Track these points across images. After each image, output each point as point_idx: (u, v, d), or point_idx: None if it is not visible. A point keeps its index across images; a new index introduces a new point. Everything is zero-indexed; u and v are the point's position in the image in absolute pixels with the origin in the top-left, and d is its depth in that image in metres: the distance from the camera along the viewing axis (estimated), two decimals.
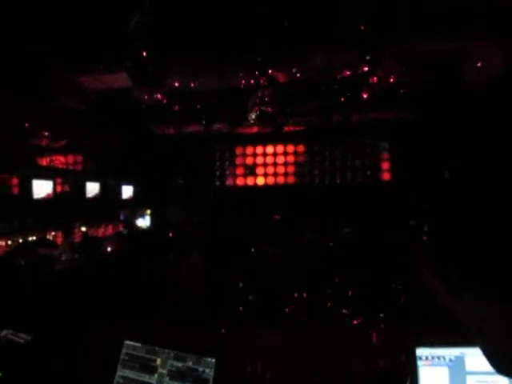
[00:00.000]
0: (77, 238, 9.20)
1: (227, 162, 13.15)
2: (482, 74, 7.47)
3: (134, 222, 12.28)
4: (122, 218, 12.24)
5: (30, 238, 8.51)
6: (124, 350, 1.99)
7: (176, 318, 2.86)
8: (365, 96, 7.95)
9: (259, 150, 12.97)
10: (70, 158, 12.07)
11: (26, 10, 5.75)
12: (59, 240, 9.11)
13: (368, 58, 6.74)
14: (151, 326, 2.24)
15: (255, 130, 11.52)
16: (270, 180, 12.95)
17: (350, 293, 4.04)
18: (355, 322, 2.95)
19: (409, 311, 2.98)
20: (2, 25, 5.92)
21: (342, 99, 8.39)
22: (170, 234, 8.32)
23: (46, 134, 9.36)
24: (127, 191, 12.33)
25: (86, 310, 2.58)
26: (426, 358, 1.81)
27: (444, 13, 6.08)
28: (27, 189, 8.89)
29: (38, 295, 3.24)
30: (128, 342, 1.99)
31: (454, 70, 7.48)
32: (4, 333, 2.05)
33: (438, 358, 1.81)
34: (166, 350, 1.92)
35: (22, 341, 2.01)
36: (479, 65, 6.96)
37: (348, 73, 7.47)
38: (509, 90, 7.38)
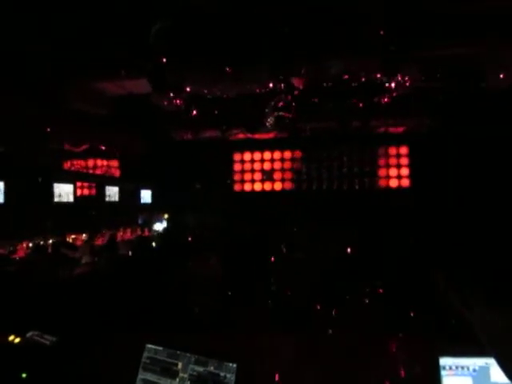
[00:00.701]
0: (98, 242, 9.33)
1: (244, 167, 13.20)
2: (504, 80, 7.37)
3: (152, 226, 12.40)
4: (140, 222, 12.39)
5: (51, 241, 8.65)
6: (145, 354, 2.01)
7: (196, 321, 2.88)
8: (384, 102, 7.91)
9: (277, 155, 12.99)
10: (91, 162, 12.26)
11: (51, 17, 5.88)
12: (79, 243, 9.25)
13: (388, 63, 6.72)
14: (173, 329, 2.26)
15: (273, 135, 11.53)
16: (288, 185, 12.94)
17: (370, 301, 4.00)
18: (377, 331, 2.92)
19: (432, 320, 2.94)
20: (28, 32, 6.06)
21: (361, 105, 8.35)
22: (189, 238, 8.37)
23: (68, 138, 9.56)
24: (146, 195, 12.48)
25: (109, 314, 2.62)
26: (450, 368, 1.79)
27: (466, 17, 6.02)
28: (48, 192, 9.09)
29: (62, 297, 3.29)
30: (150, 346, 2.01)
31: (476, 76, 7.38)
32: (30, 334, 2.10)
33: (462, 367, 1.79)
34: (188, 354, 1.93)
35: (47, 342, 2.05)
36: (502, 71, 6.85)
37: (367, 78, 7.44)
38: None
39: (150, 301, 3.43)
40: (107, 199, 11.04)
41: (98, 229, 9.84)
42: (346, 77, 7.36)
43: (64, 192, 9.60)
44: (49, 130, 8.61)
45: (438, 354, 1.78)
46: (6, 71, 6.58)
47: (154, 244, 7.69)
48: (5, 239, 7.84)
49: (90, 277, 4.87)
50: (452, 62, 7.30)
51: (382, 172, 12.41)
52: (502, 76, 7.04)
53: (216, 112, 9.32)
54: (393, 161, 12.36)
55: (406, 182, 12.25)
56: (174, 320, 2.88)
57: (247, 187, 13.18)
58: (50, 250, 6.77)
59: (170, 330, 2.27)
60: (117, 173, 12.18)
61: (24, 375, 1.86)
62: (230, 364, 1.84)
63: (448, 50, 6.83)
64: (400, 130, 11.45)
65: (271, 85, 7.58)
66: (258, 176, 13.13)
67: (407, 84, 7.32)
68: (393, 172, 12.33)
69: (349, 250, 6.82)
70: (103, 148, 10.75)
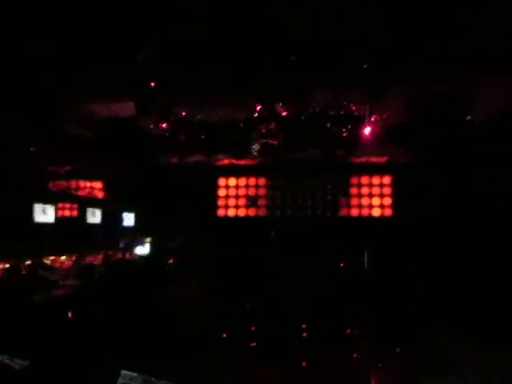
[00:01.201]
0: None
1: (230, 192, 13.21)
2: (484, 112, 7.61)
3: (134, 250, 12.22)
4: (121, 245, 12.20)
5: (27, 262, 8.44)
6: (120, 380, 1.96)
7: (174, 348, 2.82)
8: (368, 132, 8.07)
9: (262, 181, 13.05)
10: (73, 184, 12.12)
11: (37, 36, 5.91)
12: (58, 265, 9.05)
13: (371, 95, 6.89)
14: (148, 356, 2.21)
15: (257, 161, 11.63)
16: (271, 212, 12.95)
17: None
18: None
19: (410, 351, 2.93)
20: (14, 51, 6.08)
21: (345, 134, 8.50)
22: (171, 261, 8.28)
23: (51, 158, 9.49)
24: (129, 218, 12.34)
25: (84, 338, 2.55)
26: None
27: (447, 53, 6.23)
28: (28, 212, 8.92)
29: (35, 320, 3.20)
30: (124, 372, 1.97)
31: (456, 108, 7.61)
32: (0, 358, 2.03)
33: None
34: (163, 381, 1.89)
35: (17, 366, 1.98)
36: (485, 106, 7.09)
37: (352, 109, 7.60)
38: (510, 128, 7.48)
39: (127, 325, 3.36)
40: (89, 221, 10.87)
41: (80, 250, 9.66)
42: (331, 106, 7.52)
43: (45, 212, 9.43)
44: (33, 149, 8.54)
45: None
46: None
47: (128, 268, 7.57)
48: None
49: (66, 300, 4.75)
50: (437, 96, 7.52)
51: (364, 201, 12.54)
52: (485, 110, 7.28)
53: (202, 137, 9.38)
54: (375, 190, 12.52)
55: (388, 212, 12.37)
56: (152, 345, 2.82)
57: (231, 212, 13.16)
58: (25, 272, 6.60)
59: (146, 355, 2.22)
60: (100, 195, 12.06)
61: None
62: None
63: (433, 84, 7.05)
64: (383, 159, 11.67)
65: (257, 112, 7.68)
66: (241, 202, 13.13)
67: (390, 116, 7.50)
68: (375, 201, 12.46)
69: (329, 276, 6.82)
70: (87, 169, 10.68)
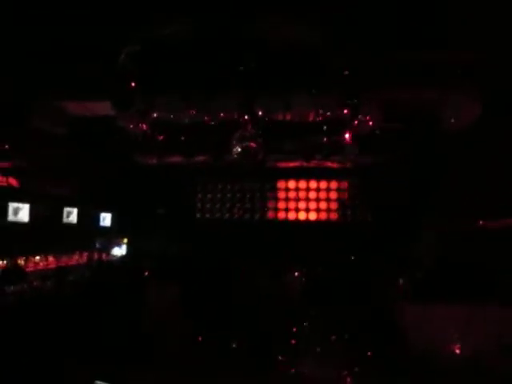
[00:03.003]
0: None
1: (209, 195, 13.19)
2: (457, 122, 7.81)
3: (110, 251, 12.08)
4: (97, 246, 12.03)
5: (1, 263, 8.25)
6: None
7: (148, 356, 2.80)
8: (347, 138, 8.18)
9: (240, 184, 13.07)
10: (50, 182, 11.88)
11: (12, 33, 5.80)
12: (31, 266, 8.88)
13: (349, 102, 7.00)
14: (122, 365, 2.20)
15: (238, 164, 11.62)
16: (250, 215, 13.00)
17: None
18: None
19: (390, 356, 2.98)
20: None
21: (325, 139, 8.60)
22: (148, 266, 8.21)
23: (27, 157, 9.31)
24: (105, 219, 12.19)
25: (57, 346, 2.51)
26: None
27: (421, 63, 6.40)
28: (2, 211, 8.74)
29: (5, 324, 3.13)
30: (98, 383, 1.96)
31: (430, 117, 7.80)
32: None
33: None
34: None
35: None
36: (454, 115, 7.29)
37: (331, 114, 7.69)
38: (483, 138, 7.73)
39: (102, 331, 3.32)
40: (65, 221, 10.69)
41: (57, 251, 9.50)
42: (310, 112, 7.61)
43: (19, 211, 9.25)
44: (6, 147, 8.37)
45: None
46: None
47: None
48: None
49: (37, 303, 4.67)
50: (411, 105, 7.68)
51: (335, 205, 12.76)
52: (453, 120, 7.48)
53: (182, 138, 9.33)
54: (344, 195, 12.74)
55: (363, 216, 12.58)
56: (126, 353, 2.79)
57: (210, 214, 13.13)
58: None
59: (121, 362, 2.21)
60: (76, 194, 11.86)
61: None
62: None
63: (407, 93, 7.20)
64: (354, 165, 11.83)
65: (236, 115, 7.70)
66: (221, 204, 13.13)
67: (368, 123, 7.62)
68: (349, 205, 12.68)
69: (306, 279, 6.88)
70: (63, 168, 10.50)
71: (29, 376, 2.04)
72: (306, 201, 12.90)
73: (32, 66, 6.64)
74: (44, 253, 9.44)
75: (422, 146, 9.25)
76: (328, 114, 7.56)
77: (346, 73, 6.41)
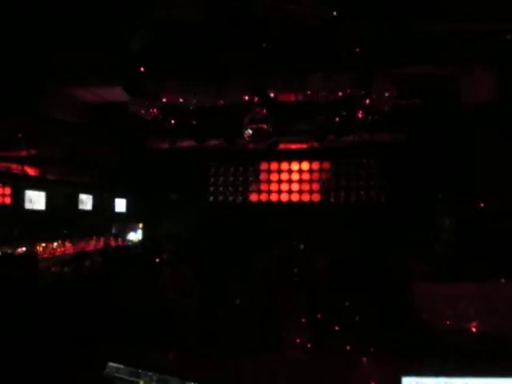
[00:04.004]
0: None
1: (221, 178, 13.19)
2: (476, 97, 7.61)
3: (126, 236, 12.22)
4: (113, 231, 12.18)
5: (20, 249, 8.41)
6: (107, 371, 1.96)
7: (161, 338, 2.82)
8: (359, 117, 8.05)
9: (253, 167, 13.03)
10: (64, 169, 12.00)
11: (23, 21, 5.80)
12: (49, 252, 9.04)
13: (362, 79, 6.85)
14: (135, 346, 2.21)
15: (250, 147, 11.57)
16: (264, 197, 12.98)
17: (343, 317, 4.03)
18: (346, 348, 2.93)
19: (397, 338, 2.96)
20: (4, 37, 5.97)
21: (337, 119, 8.47)
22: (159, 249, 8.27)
23: (42, 145, 9.40)
24: (120, 204, 12.29)
25: (71, 329, 2.54)
26: None
27: (440, 37, 6.21)
28: (19, 199, 8.88)
29: (24, 308, 3.19)
30: (111, 364, 1.97)
31: (449, 93, 7.60)
32: None
33: None
34: (149, 373, 1.89)
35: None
36: (474, 88, 7.09)
37: (343, 94, 7.56)
38: (502, 114, 7.51)
39: (113, 316, 3.36)
40: (80, 207, 10.82)
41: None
42: (322, 92, 7.48)
43: (35, 199, 9.38)
44: (22, 135, 8.44)
45: (400, 373, 1.79)
46: None
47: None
48: None
49: (54, 287, 4.74)
50: (426, 79, 7.50)
51: (352, 185, 12.62)
52: (474, 93, 7.28)
53: (193, 122, 9.30)
54: (364, 174, 12.58)
55: (375, 196, 12.44)
56: (140, 335, 2.82)
57: (223, 198, 13.16)
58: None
59: (134, 345, 2.22)
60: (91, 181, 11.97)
61: None
62: (192, 383, 1.81)
63: (422, 67, 7.02)
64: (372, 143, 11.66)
65: (248, 97, 7.63)
66: (234, 187, 13.13)
67: (382, 100, 7.47)
68: (364, 185, 12.54)
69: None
70: (78, 156, 10.58)
71: (41, 359, 2.06)
72: (318, 182, 12.80)
73: (43, 52, 6.65)
74: (61, 239, 9.59)
75: (440, 124, 9.05)
76: (341, 93, 7.43)
77: (358, 50, 6.25)
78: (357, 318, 3.92)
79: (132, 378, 1.90)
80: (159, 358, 1.96)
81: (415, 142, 10.40)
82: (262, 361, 2.17)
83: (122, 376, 1.92)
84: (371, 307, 4.23)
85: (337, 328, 3.73)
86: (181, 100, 8.07)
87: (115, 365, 1.95)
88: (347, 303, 4.37)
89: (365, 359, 2.07)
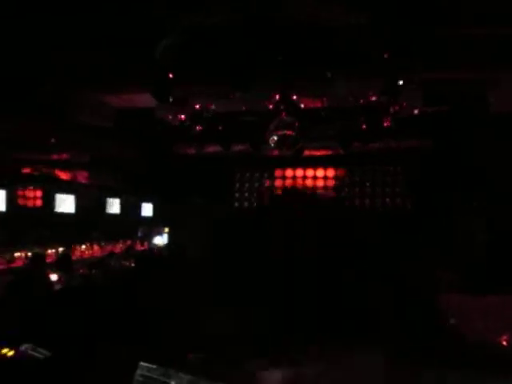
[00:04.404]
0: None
1: (247, 184, 13.24)
2: (505, 106, 7.44)
3: (152, 240, 12.39)
4: (139, 235, 12.38)
5: (49, 251, 8.63)
6: (139, 371, 1.99)
7: (192, 342, 2.86)
8: (386, 123, 7.98)
9: (278, 173, 13.04)
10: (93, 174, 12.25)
11: (54, 28, 5.95)
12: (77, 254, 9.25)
13: (389, 85, 6.79)
14: (167, 348, 2.25)
15: (276, 153, 11.60)
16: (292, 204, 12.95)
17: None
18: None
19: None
20: (30, 43, 6.14)
21: (363, 126, 8.42)
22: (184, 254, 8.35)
23: (71, 150, 9.65)
24: (146, 209, 12.49)
25: (104, 329, 2.60)
26: None
27: (470, 41, 6.10)
28: (50, 202, 9.12)
29: (57, 310, 3.28)
30: (143, 364, 2.00)
31: (477, 100, 7.46)
32: (24, 347, 2.09)
33: None
34: (181, 374, 1.92)
35: (40, 356, 2.04)
36: (502, 97, 6.93)
37: (369, 100, 7.51)
38: None
39: (147, 316, 3.42)
40: (108, 211, 11.04)
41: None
42: (349, 98, 7.45)
43: (65, 202, 9.62)
44: (52, 140, 8.68)
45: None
46: (10, 82, 6.66)
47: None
48: (3, 248, 7.85)
49: (86, 290, 4.85)
50: (454, 86, 7.38)
51: (378, 192, 12.48)
52: (502, 101, 7.12)
53: (220, 128, 9.39)
54: (390, 181, 12.43)
55: (401, 203, 12.28)
56: (171, 338, 2.87)
57: (248, 204, 13.19)
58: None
59: (164, 347, 2.26)
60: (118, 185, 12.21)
61: None
62: None
63: (451, 73, 6.91)
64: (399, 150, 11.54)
65: (274, 103, 7.66)
66: (259, 193, 13.16)
67: (409, 106, 7.40)
68: (389, 193, 12.39)
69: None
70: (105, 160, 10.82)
71: (81, 356, 2.11)
72: (343, 189, 12.72)
73: (71, 59, 6.80)
74: (90, 242, 9.81)
75: (467, 131, 8.89)
76: (367, 99, 7.39)
77: (385, 55, 6.20)
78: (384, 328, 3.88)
79: (163, 379, 1.93)
80: (188, 360, 1.99)
81: (442, 149, 10.24)
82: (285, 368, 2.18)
83: (154, 376, 1.95)
84: (398, 317, 4.18)
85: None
86: (208, 106, 8.17)
87: (147, 365, 1.99)
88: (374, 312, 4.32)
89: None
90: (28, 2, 5.22)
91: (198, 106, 8.18)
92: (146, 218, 12.50)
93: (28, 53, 6.29)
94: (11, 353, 2.07)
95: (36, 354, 2.07)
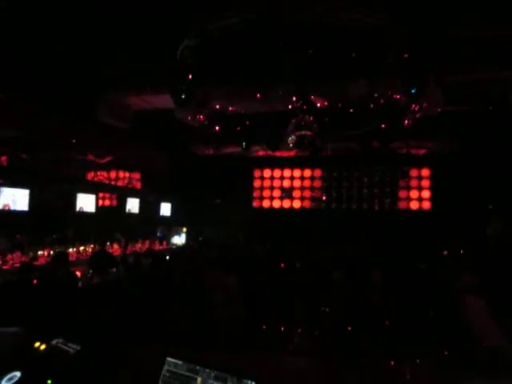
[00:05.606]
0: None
1: (264, 184, 13.27)
2: None
3: (171, 240, 12.50)
4: (158, 234, 12.50)
5: (71, 250, 8.79)
6: (165, 367, 2.02)
7: (216, 337, 2.89)
8: (406, 123, 7.90)
9: (297, 173, 13.05)
10: (113, 174, 12.45)
11: (77, 32, 6.07)
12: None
13: (410, 85, 6.73)
14: (193, 344, 2.28)
15: (293, 153, 11.60)
16: (307, 203, 12.95)
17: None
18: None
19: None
20: (55, 48, 6.28)
21: (383, 126, 8.36)
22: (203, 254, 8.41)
23: (92, 150, 9.82)
24: (165, 208, 12.60)
25: (131, 325, 2.65)
26: None
27: (491, 41, 6.01)
28: (71, 202, 9.28)
29: (84, 306, 3.35)
30: (170, 359, 2.03)
31: (500, 101, 7.34)
32: (55, 341, 2.15)
33: None
34: (207, 370, 1.94)
35: (71, 350, 2.10)
36: None
37: (390, 99, 7.46)
38: None
39: (171, 313, 3.46)
40: (127, 211, 11.17)
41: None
42: (369, 98, 7.40)
43: (86, 202, 9.75)
44: (74, 141, 8.83)
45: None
46: (35, 82, 6.82)
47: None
48: (28, 246, 8.03)
49: (112, 287, 4.94)
50: (478, 86, 7.28)
51: (402, 194, 12.34)
52: None
53: (238, 128, 9.43)
54: (414, 183, 12.29)
55: (426, 205, 12.13)
56: (196, 334, 2.90)
57: (266, 204, 13.23)
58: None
59: (191, 343, 2.29)
60: (138, 185, 12.36)
61: (49, 382, 1.91)
62: (249, 382, 1.85)
63: (471, 74, 6.82)
64: (422, 151, 11.44)
65: (293, 104, 7.65)
66: (277, 193, 13.19)
67: (430, 106, 7.31)
68: (413, 194, 12.24)
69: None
70: (126, 160, 10.97)
71: (109, 351, 2.17)
72: (359, 189, 12.66)
73: (96, 61, 6.93)
74: (110, 241, 9.94)
75: (490, 132, 8.76)
76: (387, 99, 7.33)
77: (406, 55, 6.15)
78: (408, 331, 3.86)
79: (190, 374, 1.96)
80: (217, 356, 2.02)
81: (464, 150, 10.11)
82: (311, 361, 2.19)
83: (180, 372, 1.98)
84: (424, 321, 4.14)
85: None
86: (227, 107, 8.22)
87: (174, 360, 2.02)
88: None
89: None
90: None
91: (217, 107, 8.23)
92: (165, 218, 12.61)
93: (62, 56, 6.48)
94: (43, 346, 2.13)
95: (67, 348, 2.13)
